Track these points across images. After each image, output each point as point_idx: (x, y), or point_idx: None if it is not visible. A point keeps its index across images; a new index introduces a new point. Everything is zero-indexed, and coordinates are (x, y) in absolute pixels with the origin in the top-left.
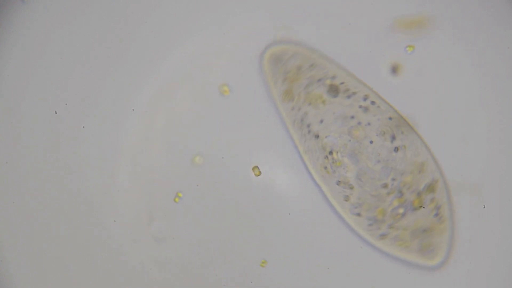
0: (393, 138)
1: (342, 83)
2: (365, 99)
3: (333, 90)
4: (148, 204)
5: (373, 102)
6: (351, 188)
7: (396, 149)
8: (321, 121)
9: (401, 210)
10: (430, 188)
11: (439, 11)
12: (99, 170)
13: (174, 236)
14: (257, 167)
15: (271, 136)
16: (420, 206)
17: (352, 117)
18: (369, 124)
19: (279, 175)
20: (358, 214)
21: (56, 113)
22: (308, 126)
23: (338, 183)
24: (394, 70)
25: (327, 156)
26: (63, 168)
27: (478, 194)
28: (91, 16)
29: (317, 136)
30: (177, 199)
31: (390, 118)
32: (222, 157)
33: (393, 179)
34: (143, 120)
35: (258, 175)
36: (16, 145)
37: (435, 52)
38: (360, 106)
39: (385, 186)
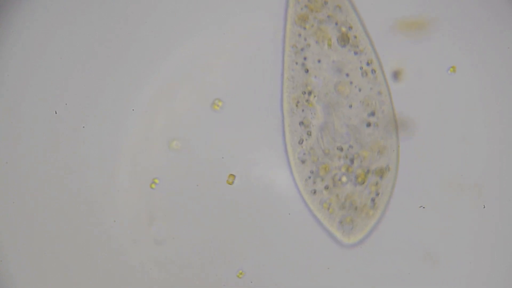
0: (372, 114)
1: (355, 37)
2: (368, 64)
3: (343, 40)
4: (148, 204)
5: (373, 71)
6: (309, 134)
7: (368, 124)
8: (319, 61)
9: (344, 179)
10: (380, 172)
11: (439, 12)
12: (99, 170)
13: (174, 236)
14: (233, 175)
15: (271, 136)
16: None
17: (347, 74)
18: (359, 89)
19: (279, 175)
20: (303, 162)
21: (56, 113)
22: (305, 58)
23: (301, 123)
24: (396, 75)
25: (304, 93)
26: (63, 168)
27: (478, 194)
28: (91, 16)
29: (306, 71)
30: (153, 185)
31: (379, 93)
32: (222, 157)
33: (350, 147)
34: (143, 120)
35: (230, 184)
36: (16, 145)
37: (435, 53)
38: (361, 68)
39: (340, 149)
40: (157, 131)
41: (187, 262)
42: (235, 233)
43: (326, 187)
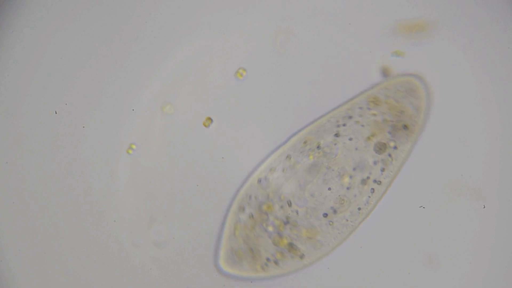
0: (335, 211)
1: (395, 147)
2: (376, 181)
3: (380, 148)
4: (148, 204)
5: (373, 189)
6: (284, 171)
7: (325, 215)
8: (350, 139)
9: (270, 228)
10: (292, 250)
11: (439, 12)
12: (99, 170)
13: (174, 236)
14: (209, 118)
15: (272, 137)
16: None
17: (355, 169)
18: (348, 188)
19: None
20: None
21: (56, 113)
22: (344, 125)
23: (288, 156)
24: (384, 72)
25: (318, 147)
26: (63, 168)
27: (478, 195)
28: (91, 16)
29: (336, 135)
30: (130, 151)
31: (358, 208)
32: (222, 157)
33: (296, 213)
34: (143, 120)
35: (207, 126)
36: (16, 145)
37: (435, 53)
38: (367, 177)
39: (289, 204)
40: (157, 131)
41: (187, 262)
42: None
43: (251, 216)
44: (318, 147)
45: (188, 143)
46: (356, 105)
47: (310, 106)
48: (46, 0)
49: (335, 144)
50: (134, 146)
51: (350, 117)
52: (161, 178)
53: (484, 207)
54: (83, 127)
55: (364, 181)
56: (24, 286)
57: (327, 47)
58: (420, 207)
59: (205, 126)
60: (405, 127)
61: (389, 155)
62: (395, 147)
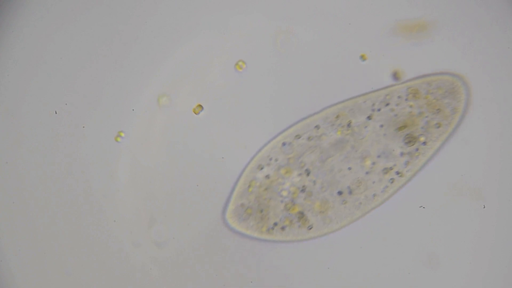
0: (350, 192)
1: (424, 143)
2: (398, 172)
3: (410, 140)
4: (148, 204)
5: (392, 180)
6: (310, 139)
7: (340, 193)
8: (381, 126)
9: (284, 193)
10: (302, 219)
11: (439, 12)
12: (99, 170)
13: (174, 236)
14: (200, 105)
15: (273, 137)
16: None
17: (379, 156)
18: (366, 172)
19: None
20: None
21: (56, 113)
22: (379, 110)
23: (317, 127)
24: (396, 76)
25: (349, 124)
26: (63, 168)
27: (478, 195)
28: (91, 16)
29: (369, 118)
30: (118, 138)
31: (374, 195)
32: (223, 157)
33: (314, 183)
34: (143, 120)
35: (197, 113)
36: (16, 145)
37: (435, 53)
38: (390, 169)
39: (307, 173)
40: (157, 131)
41: (187, 262)
42: (234, 232)
43: (267, 176)
44: (349, 124)
45: (188, 143)
46: (396, 93)
47: (310, 106)
48: (46, 0)
49: (365, 126)
50: (122, 134)
51: (387, 104)
52: (161, 178)
53: (484, 207)
54: (83, 127)
55: (386, 170)
56: (24, 286)
57: (327, 47)
58: (420, 207)
59: (195, 113)
60: (438, 125)
61: (417, 149)
62: (424, 143)
